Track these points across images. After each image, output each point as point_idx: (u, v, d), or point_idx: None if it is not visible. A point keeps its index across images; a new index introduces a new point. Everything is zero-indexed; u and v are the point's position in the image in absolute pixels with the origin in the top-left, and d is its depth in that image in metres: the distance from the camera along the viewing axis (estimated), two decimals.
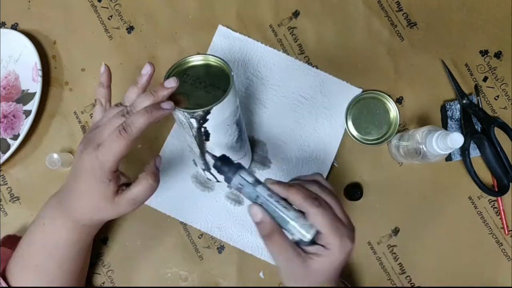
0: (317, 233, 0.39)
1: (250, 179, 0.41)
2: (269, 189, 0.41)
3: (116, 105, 0.45)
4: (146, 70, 0.45)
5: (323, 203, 0.41)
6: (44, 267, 0.49)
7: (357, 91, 0.61)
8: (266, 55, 0.62)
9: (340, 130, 0.61)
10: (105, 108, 0.49)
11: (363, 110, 0.61)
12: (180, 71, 0.45)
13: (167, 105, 0.41)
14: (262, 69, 0.62)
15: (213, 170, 0.51)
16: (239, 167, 0.42)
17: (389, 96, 0.61)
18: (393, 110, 0.60)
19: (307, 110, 0.62)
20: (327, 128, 0.61)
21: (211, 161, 0.44)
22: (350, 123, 0.61)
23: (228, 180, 0.41)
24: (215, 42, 0.63)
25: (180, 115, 0.42)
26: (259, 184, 0.41)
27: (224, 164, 0.42)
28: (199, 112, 0.41)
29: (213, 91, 0.42)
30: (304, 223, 0.39)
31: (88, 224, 0.47)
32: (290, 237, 0.40)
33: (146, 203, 0.46)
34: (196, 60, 0.45)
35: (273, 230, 0.40)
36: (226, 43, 0.63)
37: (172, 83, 0.42)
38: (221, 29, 0.63)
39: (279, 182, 0.42)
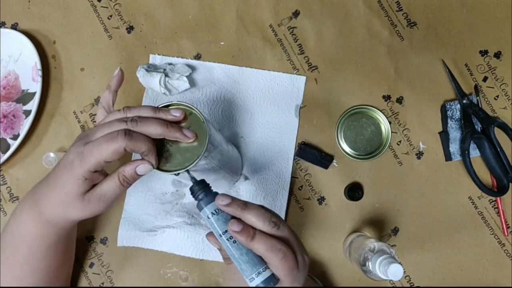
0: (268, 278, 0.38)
1: (222, 215, 0.39)
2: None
3: (119, 110, 0.43)
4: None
5: (286, 251, 0.38)
6: (13, 261, 0.47)
7: (301, 79, 0.62)
8: (203, 70, 0.63)
9: (294, 121, 0.61)
10: (109, 111, 0.48)
11: (350, 126, 0.61)
12: None
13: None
14: (208, 85, 0.62)
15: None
16: (214, 197, 0.39)
17: (378, 109, 0.61)
18: (384, 124, 0.60)
19: (260, 109, 0.62)
20: (282, 123, 0.61)
21: (188, 181, 0.42)
22: (342, 141, 0.60)
23: (199, 207, 0.40)
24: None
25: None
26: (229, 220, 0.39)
27: (200, 190, 0.40)
28: (174, 173, 0.41)
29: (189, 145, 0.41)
30: (253, 272, 0.38)
31: (52, 220, 0.44)
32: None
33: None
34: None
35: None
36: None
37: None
38: (155, 58, 0.63)
39: (233, 205, 0.38)
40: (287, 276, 0.38)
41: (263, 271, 0.38)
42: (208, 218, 0.39)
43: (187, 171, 0.41)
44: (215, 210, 0.39)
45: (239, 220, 0.38)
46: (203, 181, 0.40)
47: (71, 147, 0.42)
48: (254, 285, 0.38)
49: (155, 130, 0.40)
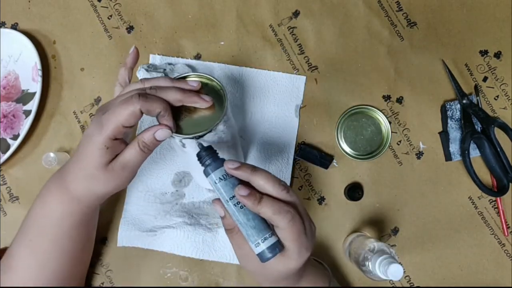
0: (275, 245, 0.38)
1: (229, 180, 0.39)
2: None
3: (137, 82, 0.44)
4: None
5: (294, 214, 0.38)
6: (37, 242, 0.47)
7: (301, 79, 0.62)
8: (203, 70, 0.62)
9: (294, 121, 0.61)
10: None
11: (350, 126, 0.61)
12: None
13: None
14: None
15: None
16: (222, 163, 0.39)
17: (378, 109, 0.61)
18: (384, 124, 0.60)
19: (260, 109, 0.62)
20: (281, 123, 0.61)
21: (196, 148, 0.42)
22: (342, 141, 0.60)
23: (206, 173, 0.39)
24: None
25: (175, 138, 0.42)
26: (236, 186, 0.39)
27: (208, 156, 0.40)
28: (195, 135, 0.41)
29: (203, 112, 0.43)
30: (260, 238, 0.38)
31: (78, 196, 0.45)
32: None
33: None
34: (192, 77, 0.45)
35: (235, 226, 0.40)
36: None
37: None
38: (155, 58, 0.63)
39: (243, 168, 0.38)
40: (295, 240, 0.38)
41: (269, 237, 0.38)
42: (215, 183, 0.39)
43: (195, 137, 0.41)
44: (222, 176, 0.39)
45: (246, 185, 0.38)
46: (210, 147, 0.40)
47: (91, 121, 0.42)
48: (259, 251, 0.38)
49: (173, 96, 0.41)
